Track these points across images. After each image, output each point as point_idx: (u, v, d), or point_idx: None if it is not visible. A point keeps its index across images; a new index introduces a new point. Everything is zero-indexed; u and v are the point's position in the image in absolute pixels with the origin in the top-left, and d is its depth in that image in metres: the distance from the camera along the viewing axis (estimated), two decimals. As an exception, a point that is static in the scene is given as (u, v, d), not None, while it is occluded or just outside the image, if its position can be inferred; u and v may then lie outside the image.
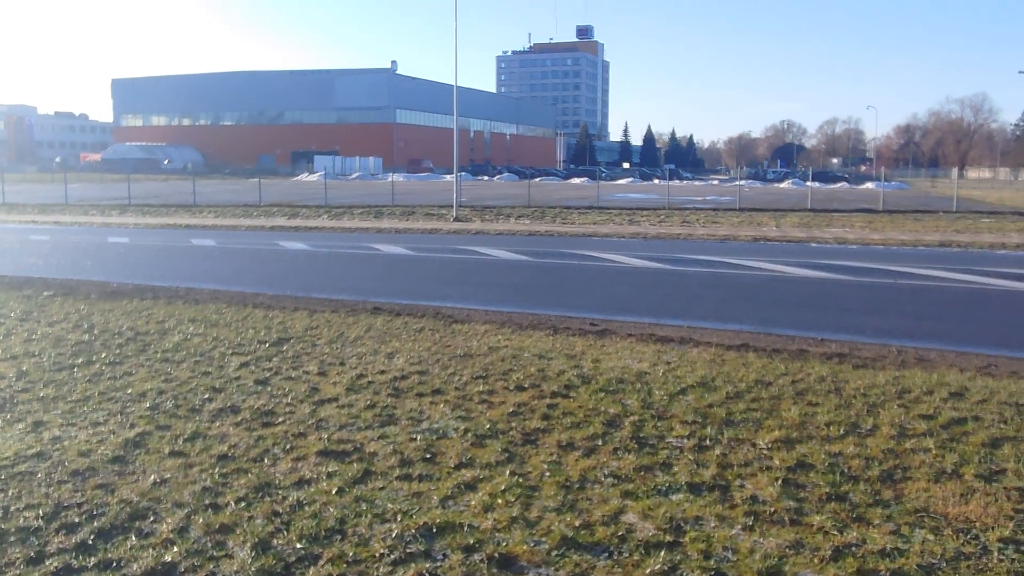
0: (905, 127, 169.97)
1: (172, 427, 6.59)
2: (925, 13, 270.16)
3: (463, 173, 71.28)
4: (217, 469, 5.68)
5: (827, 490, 5.27)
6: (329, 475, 5.56)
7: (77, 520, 4.89)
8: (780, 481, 5.41)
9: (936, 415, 6.82)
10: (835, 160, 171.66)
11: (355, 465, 5.73)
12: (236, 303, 12.54)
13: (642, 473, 5.57)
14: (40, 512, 4.98)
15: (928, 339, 10.18)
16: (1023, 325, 11.37)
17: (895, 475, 5.54)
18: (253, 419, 6.79)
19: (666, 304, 12.95)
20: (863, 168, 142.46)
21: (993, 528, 4.72)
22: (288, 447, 6.12)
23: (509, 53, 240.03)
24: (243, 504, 5.10)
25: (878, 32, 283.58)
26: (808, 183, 52.01)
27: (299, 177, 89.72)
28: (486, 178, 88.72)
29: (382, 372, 8.28)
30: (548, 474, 5.56)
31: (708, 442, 6.19)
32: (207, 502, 5.13)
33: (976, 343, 9.96)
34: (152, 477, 5.54)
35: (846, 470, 5.62)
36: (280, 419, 6.80)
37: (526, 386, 7.74)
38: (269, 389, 7.70)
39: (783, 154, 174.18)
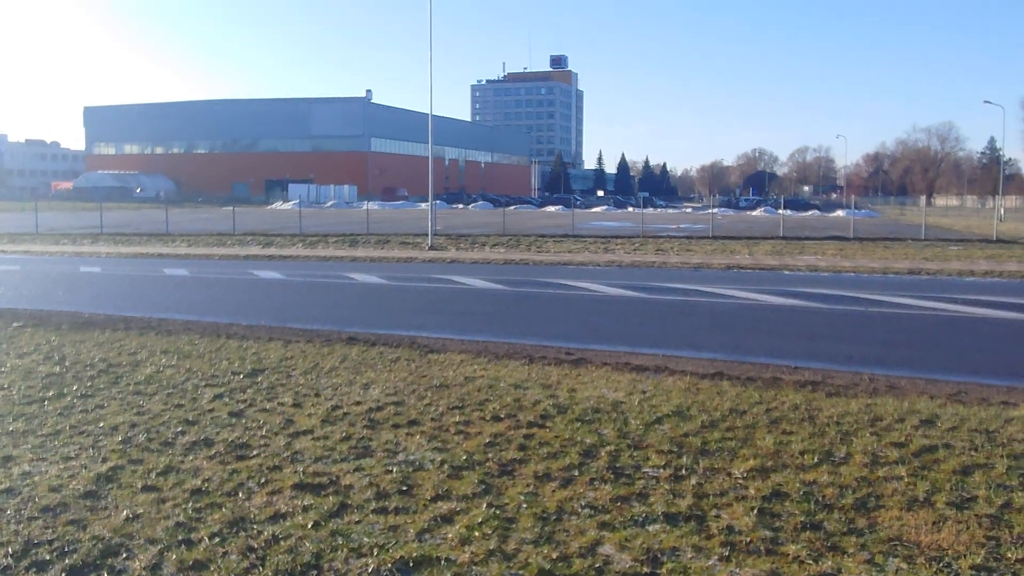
0: (874, 156, 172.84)
1: (145, 461, 6.52)
2: (892, 43, 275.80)
3: (438, 201, 71.36)
4: (191, 504, 5.62)
5: (802, 519, 5.31)
6: (305, 509, 5.52)
7: (48, 558, 4.82)
8: (756, 511, 5.45)
9: (908, 443, 6.90)
10: (806, 188, 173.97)
11: (331, 498, 5.70)
12: (209, 333, 12.45)
13: (619, 504, 5.58)
14: (10, 550, 4.90)
15: (899, 366, 10.30)
16: (991, 352, 11.54)
17: (868, 503, 5.59)
18: (227, 452, 6.73)
19: (641, 333, 13.02)
20: (834, 196, 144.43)
21: (965, 556, 4.77)
22: (263, 480, 6.07)
23: (483, 82, 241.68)
24: (217, 540, 5.05)
25: (847, 62, 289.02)
26: (780, 211, 52.63)
27: (273, 205, 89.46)
28: (461, 206, 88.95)
29: (358, 403, 8.25)
30: (525, 506, 5.55)
31: (684, 472, 6.22)
32: (180, 538, 5.07)
33: (946, 370, 10.10)
34: (124, 512, 5.47)
35: (820, 499, 5.67)
36: (255, 452, 6.74)
37: (502, 416, 7.74)
38: (243, 421, 7.65)
39: (755, 182, 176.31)
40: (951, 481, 5.99)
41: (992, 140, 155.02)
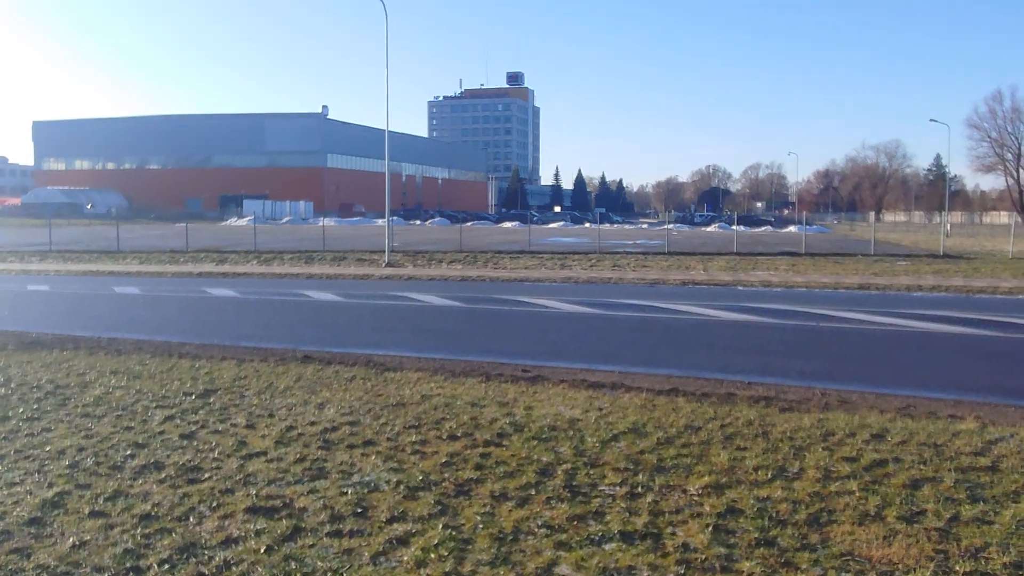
0: (825, 172, 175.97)
1: (92, 486, 6.36)
2: (842, 62, 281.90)
3: (395, 217, 71.21)
4: (140, 529, 5.50)
5: (756, 535, 5.36)
6: (257, 533, 5.43)
7: (-11, 588, 4.68)
8: (711, 527, 5.48)
9: (859, 457, 7.01)
10: (759, 204, 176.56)
11: (284, 522, 5.61)
12: (161, 353, 12.24)
13: (575, 523, 5.59)
14: (-51, 581, 4.75)
15: (850, 381, 10.47)
16: (939, 366, 11.78)
17: (821, 518, 5.66)
18: (178, 475, 6.61)
19: (597, 349, 13.07)
20: (786, 212, 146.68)
21: (915, 570, 4.85)
22: (215, 504, 5.96)
23: (440, 98, 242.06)
24: (167, 566, 4.94)
25: (799, 80, 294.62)
26: (734, 227, 53.38)
27: (228, 222, 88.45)
28: (418, 222, 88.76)
29: (312, 423, 8.16)
30: (481, 526, 5.53)
31: (640, 489, 6.24)
32: (129, 565, 4.96)
33: (895, 385, 10.28)
34: (71, 540, 5.33)
35: (774, 515, 5.72)
36: (206, 475, 6.63)
37: (459, 435, 7.71)
38: (195, 444, 7.52)
39: (710, 198, 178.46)
40: (901, 495, 6.09)
41: (938, 157, 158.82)
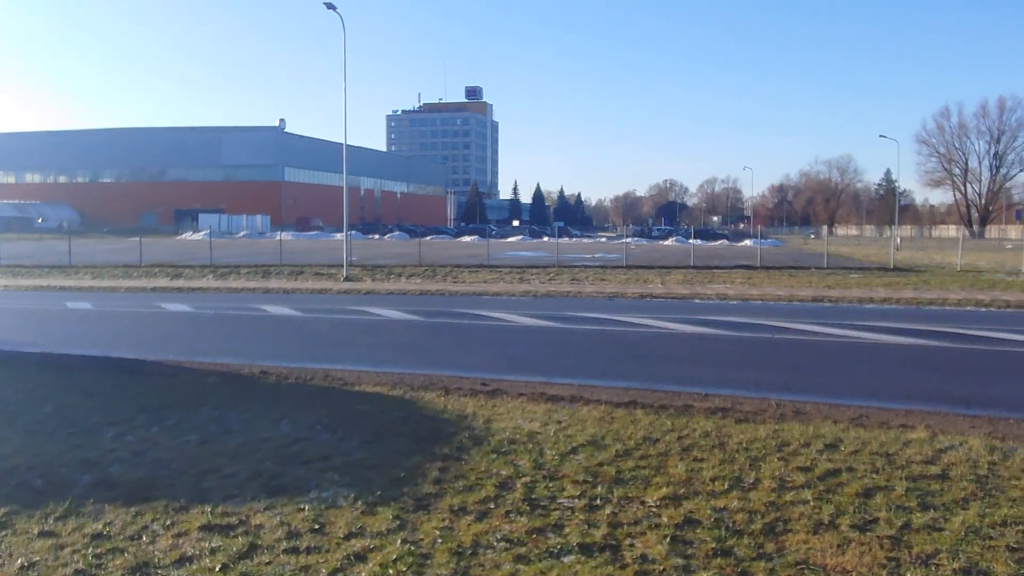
0: (779, 187, 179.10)
1: (42, 505, 6.22)
2: (795, 78, 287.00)
3: (353, 231, 70.90)
4: (91, 549, 5.39)
5: (713, 545, 5.41)
6: (212, 551, 5.35)
7: (-67, 612, 4.55)
8: (668, 538, 5.52)
9: (813, 467, 7.11)
10: (715, 218, 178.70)
11: (240, 539, 5.54)
12: (113, 370, 12.02)
13: (534, 536, 5.59)
14: None
15: (804, 392, 10.63)
16: (890, 376, 12.00)
17: (776, 528, 5.73)
18: (130, 494, 6.49)
19: (556, 362, 13.11)
20: (741, 226, 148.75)
21: (867, 577, 4.93)
22: (168, 522, 5.87)
23: (399, 112, 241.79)
24: (119, 586, 4.85)
25: (753, 96, 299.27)
26: (691, 240, 53.94)
27: (183, 236, 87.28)
28: (376, 236, 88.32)
29: (268, 439, 8.07)
30: (440, 540, 5.51)
31: (599, 501, 6.27)
32: (79, 586, 4.86)
33: (848, 395, 10.45)
34: (19, 561, 5.21)
35: (731, 524, 5.78)
36: (159, 493, 6.51)
37: (418, 449, 7.68)
38: (148, 461, 7.39)
39: (667, 212, 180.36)
40: (854, 504, 6.19)
41: (888, 172, 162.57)
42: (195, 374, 11.60)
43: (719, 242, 75.21)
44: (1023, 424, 8.84)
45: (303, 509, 6.11)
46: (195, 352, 13.90)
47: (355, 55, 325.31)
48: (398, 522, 5.85)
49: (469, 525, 5.79)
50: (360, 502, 6.25)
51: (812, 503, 6.21)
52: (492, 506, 6.17)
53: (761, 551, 5.33)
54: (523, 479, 6.80)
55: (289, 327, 17.88)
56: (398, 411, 9.25)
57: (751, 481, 6.75)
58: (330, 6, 31.98)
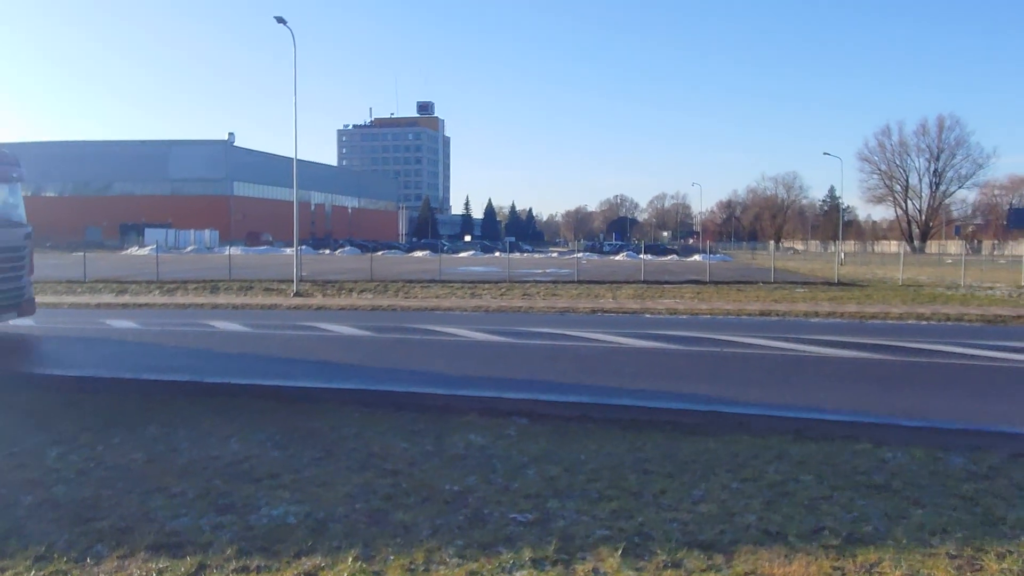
0: (727, 202, 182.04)
1: (-19, 527, 6.06)
2: (742, 96, 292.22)
3: (304, 246, 70.22)
4: (33, 572, 5.26)
5: (665, 558, 5.47)
6: (160, 572, 5.27)
7: None
8: (620, 552, 5.57)
9: (760, 478, 7.23)
10: (665, 233, 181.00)
11: (188, 559, 5.46)
12: (56, 388, 11.74)
13: (486, 551, 5.59)
14: None
15: (752, 405, 10.79)
16: (835, 389, 12.23)
17: (726, 539, 5.82)
18: (75, 514, 6.35)
19: (508, 377, 13.13)
20: (691, 241, 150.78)
21: (814, 585, 5.03)
22: (114, 543, 5.75)
23: (350, 127, 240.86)
24: (62, 609, 4.74)
25: (702, 112, 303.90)
26: (641, 255, 54.46)
27: (129, 251, 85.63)
28: (327, 251, 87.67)
29: (217, 457, 7.96)
30: (392, 557, 5.49)
31: (551, 516, 6.29)
32: (20, 609, 4.74)
33: (795, 407, 10.64)
34: (-44, 585, 5.07)
35: (681, 537, 5.85)
36: (105, 512, 6.38)
37: (370, 465, 7.64)
38: (93, 480, 7.24)
39: (618, 227, 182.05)
40: (801, 514, 6.31)
41: (832, 189, 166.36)
42: (141, 392, 11.39)
43: (669, 257, 76.09)
44: (963, 434, 9.08)
45: (253, 527, 6.04)
46: (141, 369, 13.65)
47: (306, 69, 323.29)
48: (349, 539, 5.81)
49: (421, 541, 5.78)
50: (311, 519, 6.20)
51: (760, 514, 6.31)
52: (444, 521, 6.16)
53: (711, 563, 5.41)
54: (475, 494, 6.80)
55: (238, 343, 17.64)
56: (349, 427, 9.18)
57: (701, 493, 6.84)
58: (280, 20, 31.82)
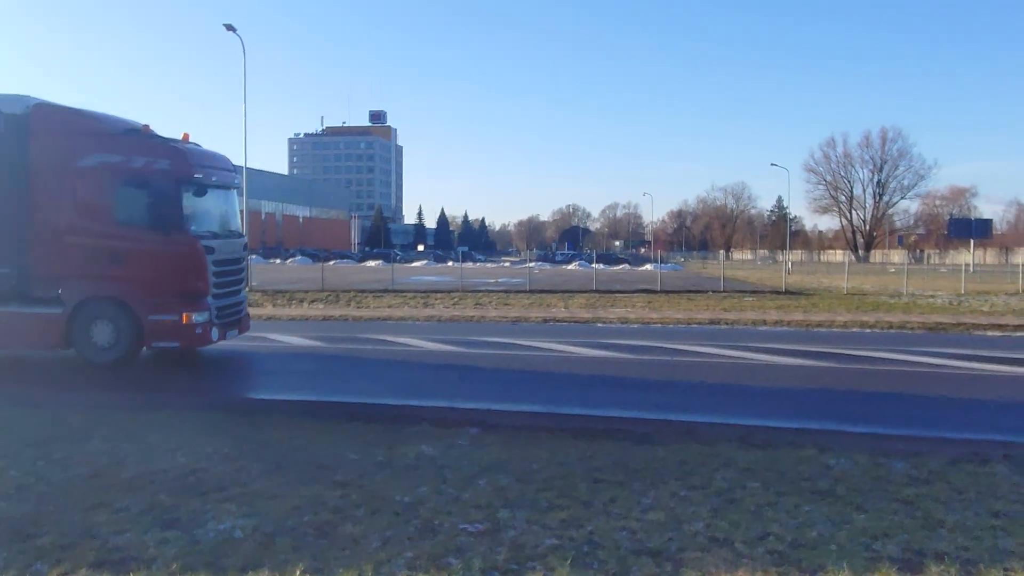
0: (678, 212, 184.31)
1: (-86, 546, 5.88)
2: (691, 106, 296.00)
3: (254, 256, 69.39)
4: (-31, 591, 5.12)
5: (615, 567, 5.50)
6: (102, 588, 5.15)
7: None
8: (570, 561, 5.59)
9: (708, 485, 7.33)
10: (617, 243, 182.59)
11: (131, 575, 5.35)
12: (-5, 401, 11.44)
13: (436, 562, 5.58)
14: None
15: (700, 412, 10.94)
16: (781, 396, 12.45)
17: (673, 547, 5.88)
18: (13, 531, 6.19)
19: (460, 386, 13.13)
20: (642, 250, 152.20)
21: (759, 590, 5.11)
22: (55, 560, 5.62)
23: (302, 135, 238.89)
24: (-1, 629, 4.62)
25: (652, 123, 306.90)
26: (593, 265, 54.80)
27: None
28: (278, 261, 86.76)
29: (163, 471, 7.82)
30: (341, 570, 5.44)
31: (501, 525, 6.30)
32: (-44, 630, 4.61)
33: (742, 414, 10.80)
34: None
35: (631, 545, 5.90)
36: (45, 529, 6.23)
37: (319, 477, 7.57)
38: (33, 496, 7.06)
39: (570, 236, 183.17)
40: (747, 520, 6.41)
41: (780, 199, 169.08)
42: (84, 406, 11.14)
43: (621, 266, 76.65)
44: (905, 440, 9.30)
45: (199, 542, 5.95)
46: (88, 386, 13.37)
47: (256, 78, 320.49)
48: (298, 552, 5.75)
49: (371, 553, 5.74)
50: (258, 532, 6.12)
51: (707, 521, 6.39)
52: (394, 532, 6.13)
53: (659, 570, 5.46)
54: (425, 505, 6.78)
55: (186, 355, 17.35)
56: (299, 439, 9.09)
57: (650, 501, 6.90)
58: (230, 28, 31.56)
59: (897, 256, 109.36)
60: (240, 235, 16.80)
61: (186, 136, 15.31)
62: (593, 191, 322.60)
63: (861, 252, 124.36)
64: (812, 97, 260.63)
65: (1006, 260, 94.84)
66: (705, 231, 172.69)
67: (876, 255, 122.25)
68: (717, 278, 42.98)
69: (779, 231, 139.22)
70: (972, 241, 75.24)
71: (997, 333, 21.13)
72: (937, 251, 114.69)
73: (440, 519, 6.44)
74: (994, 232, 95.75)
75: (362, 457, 8.29)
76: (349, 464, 8.03)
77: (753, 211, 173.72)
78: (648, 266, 71.98)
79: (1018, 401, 12.07)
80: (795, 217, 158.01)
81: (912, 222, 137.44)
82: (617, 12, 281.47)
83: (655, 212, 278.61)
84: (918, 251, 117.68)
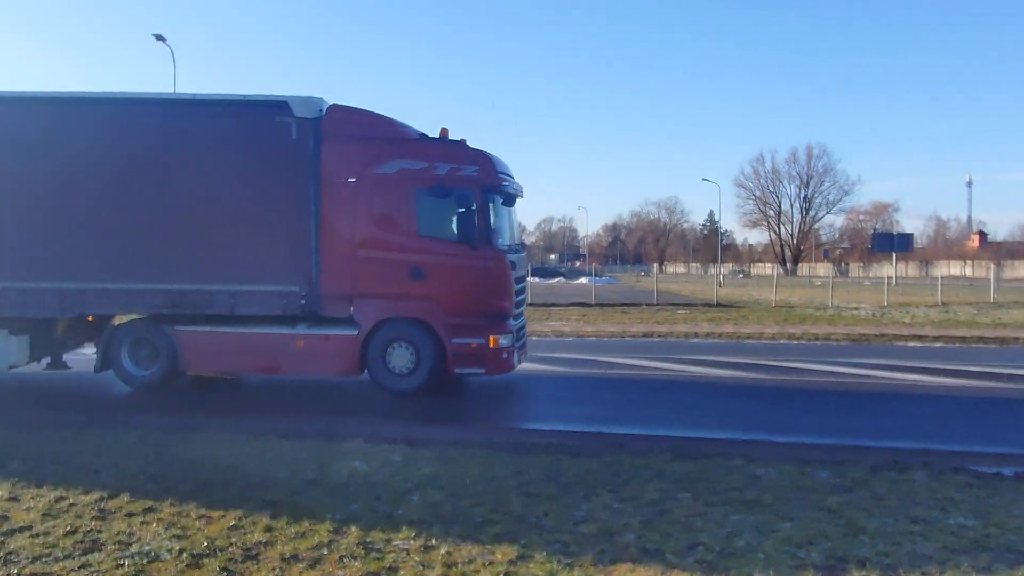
0: (612, 226, 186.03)
1: None
2: (625, 121, 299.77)
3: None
4: None
5: (545, 579, 5.54)
6: (19, 616, 4.99)
7: None
8: (503, 575, 5.61)
9: (640, 497, 7.42)
10: (553, 256, 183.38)
11: (51, 601, 5.19)
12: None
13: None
14: None
15: (633, 424, 11.08)
16: (711, 407, 12.68)
17: (606, 558, 5.93)
18: (-76, 559, 5.95)
19: (392, 404, 13.03)
20: (578, 263, 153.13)
21: (688, 600, 5.19)
22: (-31, 588, 5.42)
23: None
24: (-92, 661, 4.44)
25: (586, 137, 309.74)
26: (529, 278, 54.86)
27: None
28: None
29: (86, 492, 7.60)
30: None
31: (434, 541, 6.28)
32: None
33: (672, 426, 10.97)
34: None
35: (562, 558, 5.93)
36: (-41, 556, 6.01)
37: (248, 496, 7.44)
38: (-54, 522, 6.80)
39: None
40: (677, 531, 6.51)
41: (711, 213, 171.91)
42: (36, 423, 10.76)
43: (556, 279, 77.15)
44: (829, 449, 9.55)
45: (123, 565, 5.80)
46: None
47: (187, 89, 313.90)
48: (225, 574, 5.65)
49: (301, 572, 5.67)
50: (185, 554, 5.99)
51: (639, 532, 6.47)
52: (325, 551, 6.07)
53: (591, 582, 5.51)
54: (358, 522, 6.72)
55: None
56: (229, 458, 8.92)
57: (582, 514, 6.95)
58: (159, 38, 30.97)
59: (823, 269, 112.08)
60: (525, 247, 15.66)
61: (444, 132, 13.59)
62: (528, 204, 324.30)
63: (789, 265, 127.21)
64: (742, 114, 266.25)
65: (926, 273, 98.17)
66: (639, 245, 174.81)
67: (803, 268, 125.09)
68: (651, 291, 43.51)
69: (711, 245, 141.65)
70: (894, 255, 77.52)
71: (917, 344, 21.83)
72: (861, 264, 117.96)
73: (372, 537, 6.39)
74: (915, 246, 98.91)
75: (293, 475, 8.17)
76: (279, 482, 7.90)
77: (686, 225, 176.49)
78: (583, 279, 72.60)
79: (936, 410, 12.49)
80: (726, 231, 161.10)
81: (837, 236, 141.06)
82: (548, 30, 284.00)
83: (590, 226, 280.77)
84: (843, 264, 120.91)
